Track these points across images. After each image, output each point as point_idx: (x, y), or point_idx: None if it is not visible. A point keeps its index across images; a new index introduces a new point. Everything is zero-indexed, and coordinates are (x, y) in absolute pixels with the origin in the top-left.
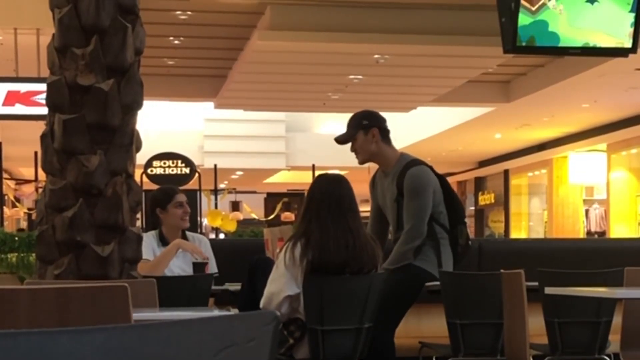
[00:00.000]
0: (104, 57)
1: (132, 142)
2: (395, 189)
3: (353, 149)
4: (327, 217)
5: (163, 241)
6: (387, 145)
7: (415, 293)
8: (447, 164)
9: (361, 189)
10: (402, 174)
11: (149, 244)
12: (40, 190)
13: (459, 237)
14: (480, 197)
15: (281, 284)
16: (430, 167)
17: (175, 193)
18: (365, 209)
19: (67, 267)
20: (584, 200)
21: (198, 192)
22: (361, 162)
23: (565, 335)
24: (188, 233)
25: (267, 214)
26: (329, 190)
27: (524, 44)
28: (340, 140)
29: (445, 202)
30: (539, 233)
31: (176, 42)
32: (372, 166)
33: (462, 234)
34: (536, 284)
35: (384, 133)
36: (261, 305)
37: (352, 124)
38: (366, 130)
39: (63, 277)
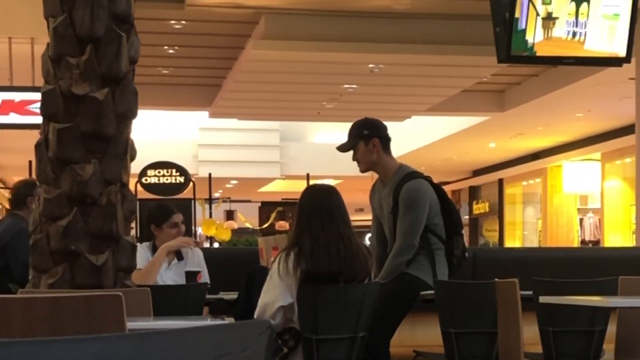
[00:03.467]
0: (98, 67)
1: (127, 151)
2: (391, 200)
3: (355, 159)
4: (318, 227)
5: (155, 252)
6: (387, 155)
7: (410, 301)
8: (441, 173)
9: (355, 198)
10: (400, 186)
11: (144, 254)
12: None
13: (454, 248)
14: (475, 206)
15: (275, 295)
16: (428, 179)
17: (173, 213)
18: (358, 218)
19: (61, 276)
20: (578, 210)
21: (192, 201)
22: (363, 171)
23: (559, 344)
24: None
25: (261, 223)
26: (320, 201)
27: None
28: (342, 149)
29: (442, 213)
30: (533, 242)
31: (171, 51)
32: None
33: (458, 245)
34: (530, 293)
35: (385, 142)
36: (255, 316)
37: (352, 133)
38: (367, 141)
39: (57, 286)
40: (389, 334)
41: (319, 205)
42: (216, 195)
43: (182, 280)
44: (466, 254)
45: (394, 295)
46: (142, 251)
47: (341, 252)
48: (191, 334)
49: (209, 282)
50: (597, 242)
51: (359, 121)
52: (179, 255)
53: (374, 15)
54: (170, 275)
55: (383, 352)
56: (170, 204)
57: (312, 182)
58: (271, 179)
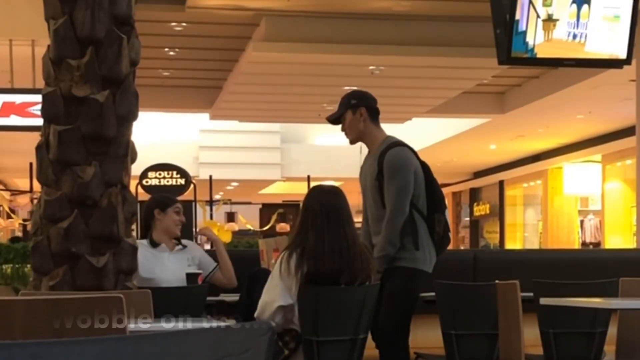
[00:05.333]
0: (99, 69)
1: (127, 153)
2: (376, 167)
3: (343, 129)
4: (324, 226)
5: (153, 244)
6: (375, 125)
7: (414, 295)
8: (442, 174)
9: (356, 199)
10: (384, 153)
11: (142, 251)
12: (35, 201)
13: (435, 225)
14: (475, 208)
15: (275, 295)
16: (414, 152)
17: (177, 201)
18: (358, 220)
19: (62, 278)
20: (579, 211)
21: (193, 203)
22: (351, 142)
23: (560, 346)
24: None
25: (262, 225)
26: (327, 201)
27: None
28: (330, 119)
29: (425, 189)
30: (533, 244)
31: (171, 53)
32: None
33: (440, 223)
34: (531, 294)
35: (373, 113)
36: (255, 315)
37: (341, 103)
38: (354, 110)
39: (58, 288)
40: (404, 335)
41: (325, 204)
42: (217, 197)
43: (184, 267)
44: (449, 234)
45: (396, 295)
46: (141, 249)
47: (344, 251)
48: (192, 336)
49: (216, 264)
50: (597, 244)
51: (347, 92)
52: (178, 241)
53: (374, 17)
54: (172, 260)
55: (403, 353)
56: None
57: (312, 184)
58: (272, 181)
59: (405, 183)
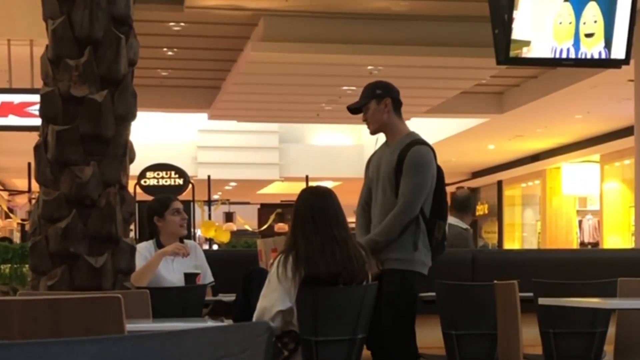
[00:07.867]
0: (97, 68)
1: (126, 153)
2: (395, 158)
3: (365, 118)
4: (311, 230)
5: (160, 247)
6: (398, 117)
7: (413, 297)
8: None
9: (355, 200)
10: (408, 147)
11: (143, 254)
12: (33, 201)
13: (435, 230)
14: None
15: (273, 299)
16: (435, 156)
17: (172, 200)
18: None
19: (61, 278)
20: (578, 211)
21: (191, 203)
22: (372, 132)
23: (560, 346)
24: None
25: (260, 225)
26: (313, 203)
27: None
28: (353, 108)
29: (435, 193)
30: (532, 244)
31: (170, 53)
32: None
33: (440, 228)
34: (530, 294)
35: (396, 104)
36: (254, 320)
37: (365, 92)
38: (379, 100)
39: (56, 288)
40: (409, 335)
41: (311, 207)
42: (215, 197)
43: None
44: (445, 243)
45: (395, 300)
46: (143, 251)
47: (337, 254)
48: (190, 336)
49: (213, 280)
50: (596, 244)
51: (372, 82)
52: (181, 242)
53: (372, 17)
54: (177, 264)
55: (412, 354)
56: (169, 194)
57: (311, 184)
58: (270, 181)
59: (424, 182)
